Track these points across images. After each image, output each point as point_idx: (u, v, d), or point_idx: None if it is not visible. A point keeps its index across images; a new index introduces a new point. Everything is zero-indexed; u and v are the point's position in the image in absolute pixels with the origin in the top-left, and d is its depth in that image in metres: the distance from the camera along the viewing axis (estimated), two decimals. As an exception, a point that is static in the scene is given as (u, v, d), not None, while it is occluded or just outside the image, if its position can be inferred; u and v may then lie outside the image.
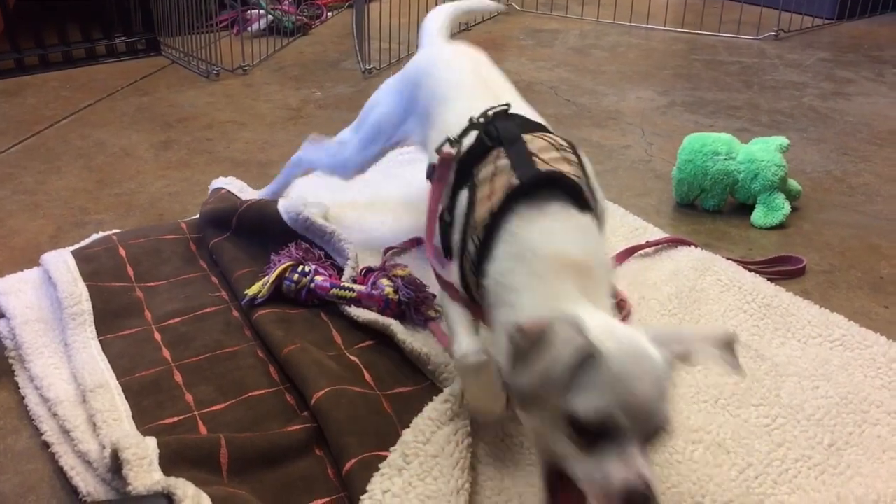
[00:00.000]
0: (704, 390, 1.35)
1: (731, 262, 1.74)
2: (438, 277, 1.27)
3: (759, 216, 2.00)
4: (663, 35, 3.86)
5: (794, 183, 2.08)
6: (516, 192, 1.11)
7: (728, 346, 0.98)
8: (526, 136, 1.21)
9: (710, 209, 2.07)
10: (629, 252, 1.77)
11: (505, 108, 1.29)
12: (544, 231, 1.09)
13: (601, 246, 1.15)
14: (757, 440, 1.24)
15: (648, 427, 0.91)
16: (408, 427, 1.21)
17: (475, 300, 1.20)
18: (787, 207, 2.00)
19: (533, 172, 1.13)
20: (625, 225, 1.90)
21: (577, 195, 1.12)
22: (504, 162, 1.17)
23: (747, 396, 1.34)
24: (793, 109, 2.85)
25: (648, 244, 1.79)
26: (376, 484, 1.11)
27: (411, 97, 1.59)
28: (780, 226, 1.98)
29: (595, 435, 0.90)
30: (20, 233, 1.97)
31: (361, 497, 1.10)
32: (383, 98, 1.70)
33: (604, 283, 1.08)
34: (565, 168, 1.15)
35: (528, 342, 0.92)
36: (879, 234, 1.98)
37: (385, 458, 1.16)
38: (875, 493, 1.13)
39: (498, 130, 1.23)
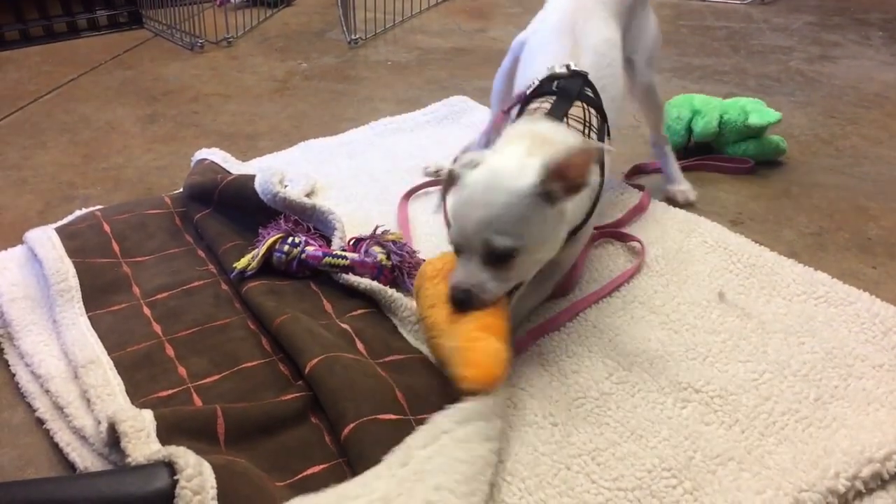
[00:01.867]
0: (693, 348, 1.37)
1: (715, 224, 1.76)
2: None
3: (755, 118, 2.06)
4: (650, 1, 3.83)
5: (779, 139, 2.11)
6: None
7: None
8: (577, 103, 1.45)
9: (700, 137, 2.12)
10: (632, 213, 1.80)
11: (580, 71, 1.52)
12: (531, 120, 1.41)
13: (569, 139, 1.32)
14: (744, 395, 1.26)
15: (477, 246, 1.21)
16: (407, 388, 1.23)
17: None
18: (777, 115, 2.07)
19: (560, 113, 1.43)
20: (612, 190, 1.91)
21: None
22: (547, 106, 1.44)
23: (735, 353, 1.36)
24: (780, 73, 2.85)
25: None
26: (438, 421, 1.13)
27: None
28: (769, 191, 2.00)
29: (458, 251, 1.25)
30: (8, 209, 1.96)
31: (419, 427, 1.13)
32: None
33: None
34: (574, 124, 1.42)
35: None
36: (867, 195, 1.99)
37: (383, 421, 1.17)
38: (860, 444, 1.15)
39: (561, 86, 1.48)
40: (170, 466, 0.98)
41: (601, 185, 1.44)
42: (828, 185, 2.04)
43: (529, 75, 1.57)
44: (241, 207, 1.69)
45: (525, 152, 1.24)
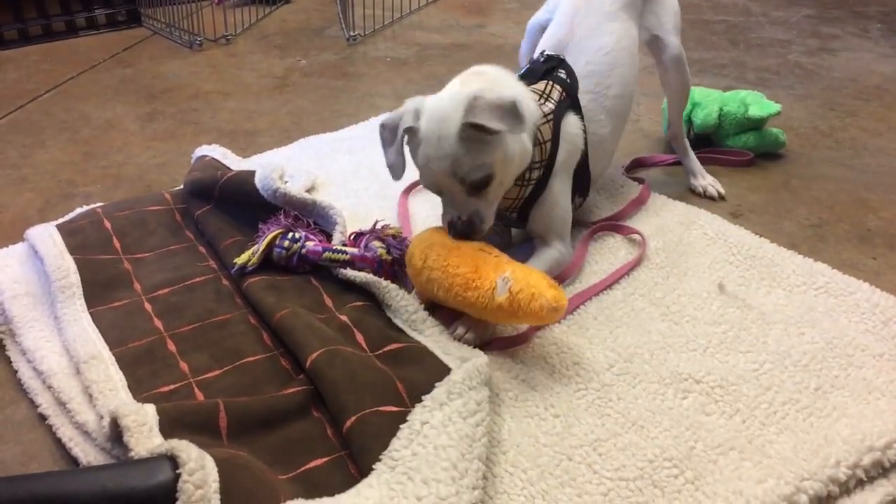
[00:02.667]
0: (693, 339, 1.37)
1: (715, 216, 1.76)
2: None
3: (755, 110, 2.07)
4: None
5: (779, 132, 2.11)
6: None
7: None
8: (541, 80, 1.59)
9: (700, 129, 2.12)
10: (633, 205, 1.81)
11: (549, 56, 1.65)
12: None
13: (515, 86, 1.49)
14: (745, 385, 1.27)
15: (458, 186, 1.36)
16: (407, 380, 1.23)
17: None
18: (777, 107, 2.09)
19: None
20: (612, 183, 1.91)
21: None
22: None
23: (735, 344, 1.36)
24: (779, 66, 2.85)
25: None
26: (416, 415, 1.13)
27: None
28: (769, 184, 2.00)
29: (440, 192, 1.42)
30: (8, 207, 1.96)
31: (401, 426, 1.12)
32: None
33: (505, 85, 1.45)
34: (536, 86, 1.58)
35: (385, 129, 1.44)
36: (867, 187, 1.99)
37: (385, 413, 1.17)
38: (861, 433, 1.15)
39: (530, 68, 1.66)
40: (172, 460, 0.98)
41: (585, 154, 1.59)
42: (827, 176, 2.04)
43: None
44: (242, 203, 1.69)
45: (458, 87, 1.40)
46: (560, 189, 1.55)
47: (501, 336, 1.39)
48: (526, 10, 3.61)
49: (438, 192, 1.43)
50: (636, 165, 2.06)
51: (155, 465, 0.95)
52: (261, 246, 1.52)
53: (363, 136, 2.21)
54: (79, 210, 1.82)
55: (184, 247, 1.68)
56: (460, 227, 1.39)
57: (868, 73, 2.76)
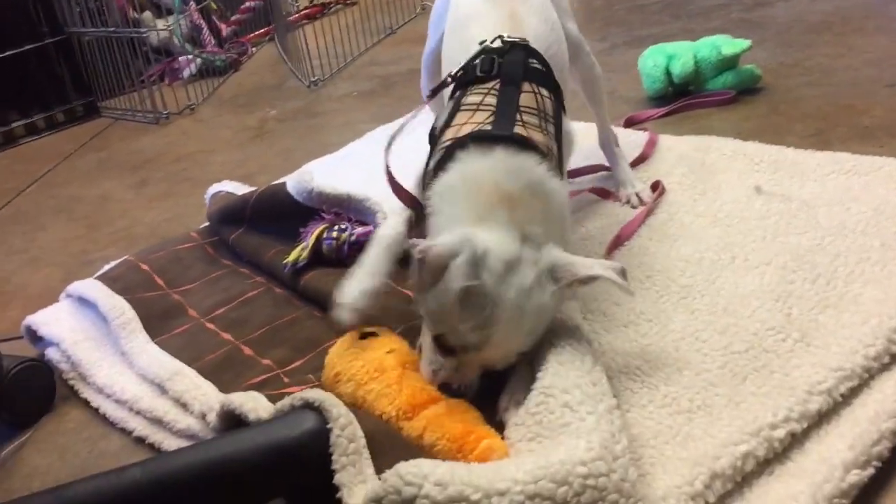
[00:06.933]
0: (750, 233, 1.43)
1: (727, 138, 1.83)
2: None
3: (728, 49, 2.16)
4: (580, -5, 3.99)
5: (754, 66, 2.21)
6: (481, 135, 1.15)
7: (621, 273, 1.07)
8: (524, 85, 1.23)
9: (679, 78, 2.20)
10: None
11: (518, 41, 1.29)
12: (489, 166, 1.11)
13: (547, 187, 1.12)
14: (816, 255, 1.31)
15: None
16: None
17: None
18: (747, 43, 2.18)
19: (507, 134, 1.14)
20: (620, 137, 1.96)
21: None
22: (491, 100, 1.21)
23: (790, 228, 1.41)
24: (726, 26, 2.97)
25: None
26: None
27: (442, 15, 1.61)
28: (759, 112, 2.09)
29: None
30: (30, 284, 1.94)
31: None
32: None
33: (541, 218, 1.09)
34: (538, 138, 1.17)
35: (428, 268, 1.01)
36: (849, 96, 2.09)
37: None
38: (944, 266, 1.20)
39: (502, 65, 1.25)
40: (312, 409, 0.96)
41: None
42: (810, 95, 2.14)
43: (457, 54, 1.34)
44: (277, 217, 1.68)
45: (518, 242, 1.05)
46: None
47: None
48: (470, 30, 3.73)
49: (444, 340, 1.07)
50: (629, 124, 2.13)
51: (299, 416, 0.95)
52: (309, 242, 1.53)
53: (365, 151, 2.24)
54: (108, 266, 1.80)
55: (225, 272, 1.68)
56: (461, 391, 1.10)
57: (810, 13, 2.91)
